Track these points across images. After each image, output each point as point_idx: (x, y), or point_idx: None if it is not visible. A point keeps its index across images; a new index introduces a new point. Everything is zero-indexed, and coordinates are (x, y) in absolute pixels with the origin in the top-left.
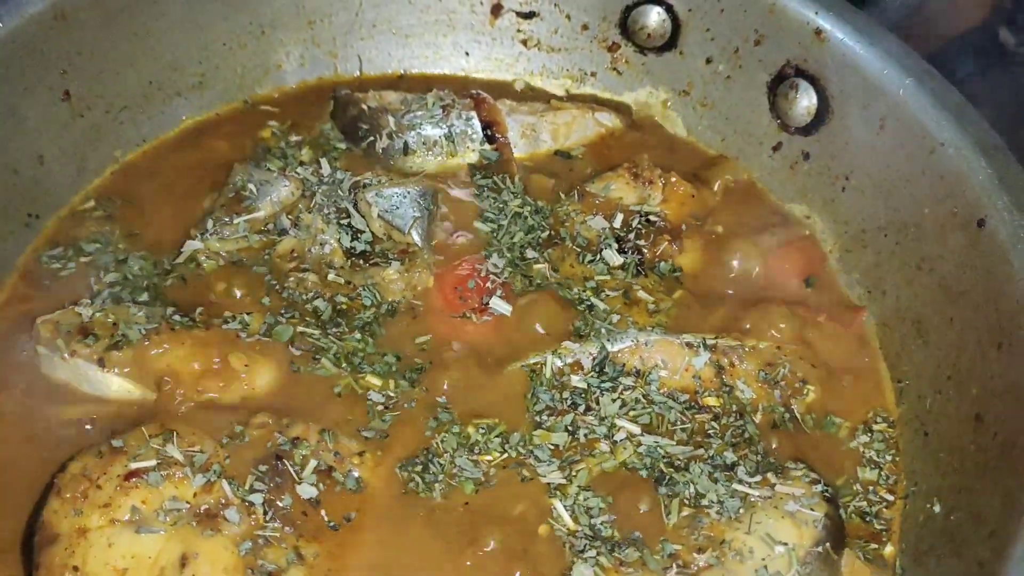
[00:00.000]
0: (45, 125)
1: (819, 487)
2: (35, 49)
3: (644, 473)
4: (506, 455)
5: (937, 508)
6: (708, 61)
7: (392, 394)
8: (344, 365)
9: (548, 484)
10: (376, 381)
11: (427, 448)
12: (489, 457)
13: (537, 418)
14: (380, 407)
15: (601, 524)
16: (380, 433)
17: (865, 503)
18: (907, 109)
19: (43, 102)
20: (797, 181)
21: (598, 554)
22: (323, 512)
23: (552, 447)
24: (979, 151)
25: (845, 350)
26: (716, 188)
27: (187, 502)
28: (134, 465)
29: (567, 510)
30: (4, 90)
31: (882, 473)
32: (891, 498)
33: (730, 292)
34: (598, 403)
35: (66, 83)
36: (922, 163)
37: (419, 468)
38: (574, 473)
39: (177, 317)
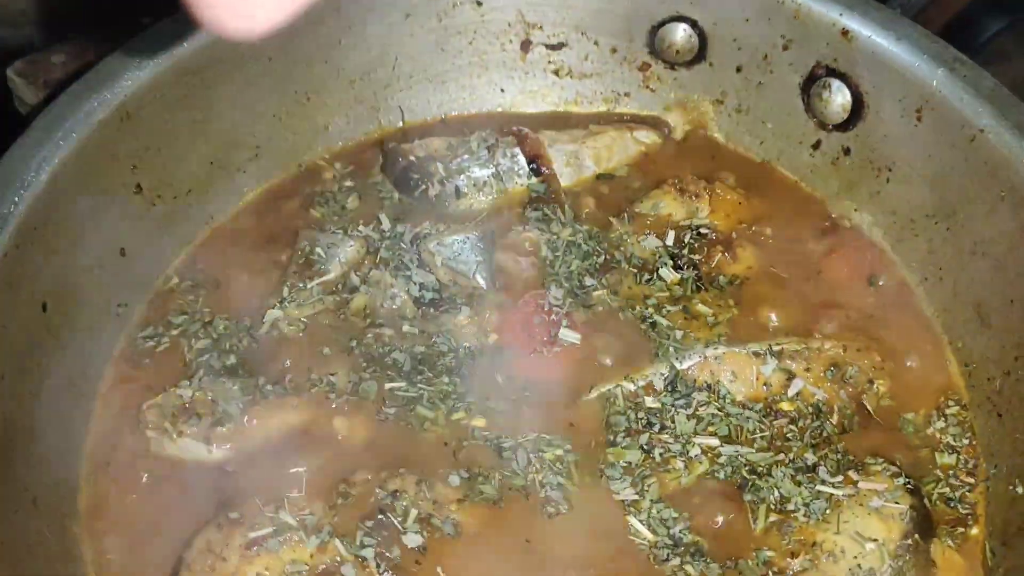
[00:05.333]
0: (122, 219)
1: (901, 480)
2: (107, 151)
3: (723, 480)
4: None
5: (1020, 489)
6: (738, 70)
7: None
8: (441, 407)
9: (623, 501)
10: (481, 422)
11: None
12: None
13: (614, 439)
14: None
15: (680, 532)
16: (474, 476)
17: (947, 488)
18: (942, 99)
19: (119, 199)
20: (841, 176)
21: (683, 563)
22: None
23: (625, 465)
24: (1020, 134)
25: (911, 340)
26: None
27: (306, 563)
28: (252, 535)
29: (643, 524)
30: (83, 193)
31: (960, 457)
32: (972, 481)
33: (790, 297)
34: (673, 421)
35: (137, 177)
36: (963, 150)
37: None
38: (646, 488)
39: (269, 387)
